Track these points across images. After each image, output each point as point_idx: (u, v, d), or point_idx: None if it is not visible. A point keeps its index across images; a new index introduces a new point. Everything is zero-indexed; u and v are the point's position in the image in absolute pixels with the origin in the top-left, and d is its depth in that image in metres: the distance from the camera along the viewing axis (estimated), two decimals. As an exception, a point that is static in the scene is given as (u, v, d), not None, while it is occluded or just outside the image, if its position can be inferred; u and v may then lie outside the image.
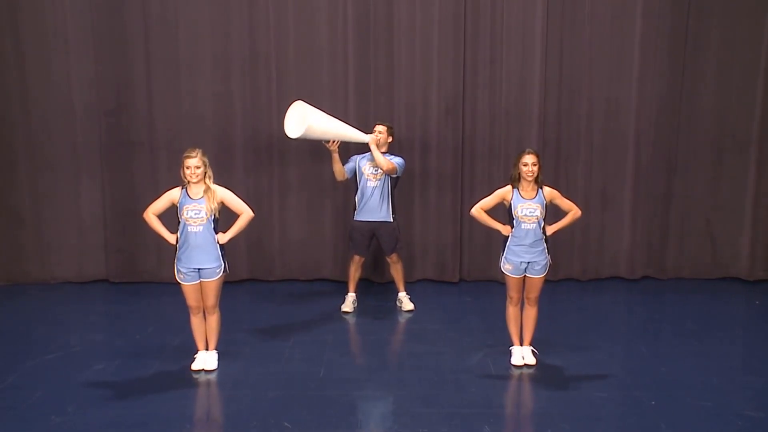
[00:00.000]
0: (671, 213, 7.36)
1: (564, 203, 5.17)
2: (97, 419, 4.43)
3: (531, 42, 6.99)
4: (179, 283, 5.02)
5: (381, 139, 6.26)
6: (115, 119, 7.02)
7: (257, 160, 7.14)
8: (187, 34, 6.90)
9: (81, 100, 6.98)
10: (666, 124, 7.19)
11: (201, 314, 5.08)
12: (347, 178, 6.40)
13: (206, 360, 5.14)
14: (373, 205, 6.31)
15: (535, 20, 6.95)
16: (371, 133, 6.28)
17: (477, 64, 7.05)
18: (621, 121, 7.17)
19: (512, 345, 5.33)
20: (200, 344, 5.17)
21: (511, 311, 5.27)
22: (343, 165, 6.33)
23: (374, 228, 6.36)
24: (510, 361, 5.27)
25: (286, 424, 4.37)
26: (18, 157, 7.03)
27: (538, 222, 5.04)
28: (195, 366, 5.13)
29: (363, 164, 6.34)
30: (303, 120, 5.97)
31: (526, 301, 5.24)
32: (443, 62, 7.01)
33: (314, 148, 7.11)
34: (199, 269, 4.96)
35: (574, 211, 5.16)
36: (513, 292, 5.20)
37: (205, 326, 5.13)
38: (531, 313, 5.25)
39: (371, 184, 6.30)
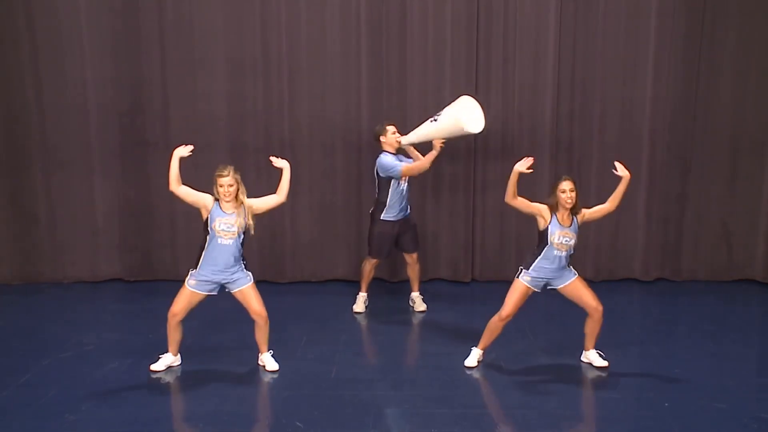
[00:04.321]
0: (686, 214, 7.31)
1: (596, 212, 5.11)
2: (110, 417, 4.45)
3: (544, 42, 6.97)
4: (184, 286, 4.99)
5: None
6: (130, 119, 7.07)
7: (269, 160, 7.13)
8: (201, 35, 6.93)
9: (96, 100, 7.03)
10: (681, 124, 7.14)
11: (178, 324, 5.05)
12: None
13: (267, 363, 5.18)
14: (405, 203, 6.31)
15: (549, 20, 6.93)
16: (394, 134, 6.22)
17: (490, 64, 7.03)
18: (635, 122, 7.13)
19: (476, 346, 5.28)
20: (172, 347, 5.17)
21: (495, 323, 5.12)
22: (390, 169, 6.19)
23: (401, 226, 6.32)
24: (465, 360, 5.25)
25: (298, 423, 4.37)
26: (33, 157, 7.09)
27: (570, 249, 5.00)
28: (156, 366, 5.14)
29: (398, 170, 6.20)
30: (469, 115, 5.98)
31: (594, 313, 5.09)
32: (456, 62, 7.01)
33: (326, 148, 7.13)
34: (222, 284, 4.97)
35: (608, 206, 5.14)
36: (510, 304, 5.02)
37: (257, 334, 5.14)
38: (597, 325, 5.14)
39: (405, 184, 6.27)
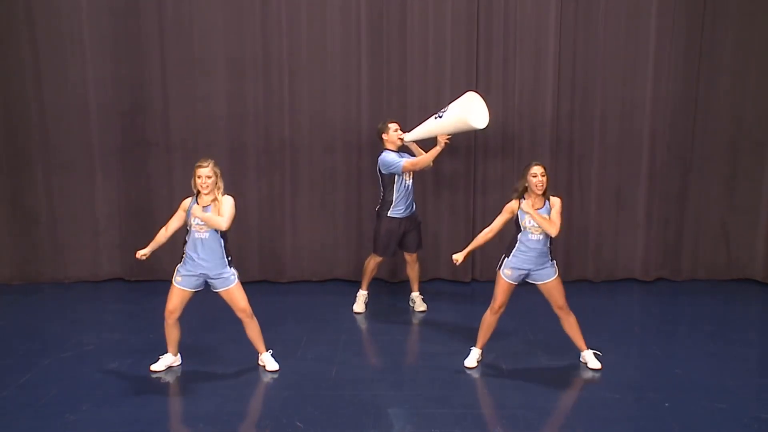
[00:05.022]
0: (686, 214, 7.31)
1: (554, 214, 4.95)
2: (111, 417, 4.46)
3: (544, 42, 6.97)
4: (172, 284, 4.99)
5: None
6: (130, 120, 7.07)
7: (270, 160, 7.16)
8: (201, 35, 6.94)
9: (96, 100, 7.04)
10: (681, 124, 7.14)
11: (174, 321, 5.05)
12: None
13: (267, 364, 5.18)
14: (411, 199, 6.33)
15: (549, 20, 6.93)
16: (396, 132, 6.26)
17: (490, 63, 7.03)
18: (635, 122, 7.13)
19: (474, 346, 5.30)
20: (171, 347, 5.18)
21: (488, 318, 5.17)
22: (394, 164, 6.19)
23: (407, 223, 6.32)
24: (464, 361, 5.26)
25: (298, 423, 4.38)
26: (33, 157, 7.10)
27: (545, 233, 4.97)
28: (156, 367, 5.15)
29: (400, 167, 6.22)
30: (475, 110, 6.06)
31: (558, 313, 5.14)
32: (456, 62, 7.01)
33: (326, 148, 7.13)
34: (206, 278, 4.96)
35: (551, 222, 4.90)
36: (500, 299, 5.09)
37: (249, 334, 5.14)
38: (571, 321, 5.16)
39: (409, 181, 6.28)
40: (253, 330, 5.14)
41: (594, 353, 5.25)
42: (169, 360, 5.18)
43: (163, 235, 5.04)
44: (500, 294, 5.10)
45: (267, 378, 5.09)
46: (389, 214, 6.28)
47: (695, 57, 7.00)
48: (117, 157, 7.13)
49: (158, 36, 6.93)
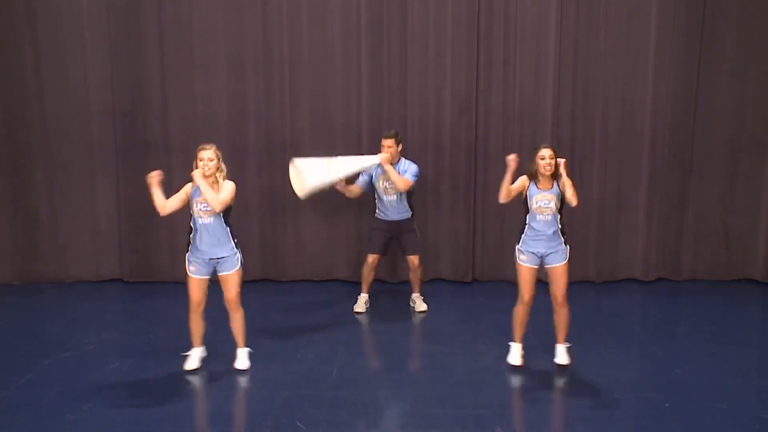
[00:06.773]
0: (686, 214, 7.31)
1: (566, 186, 4.93)
2: (111, 417, 4.46)
3: (545, 42, 6.97)
4: (187, 276, 5.02)
5: (392, 153, 6.16)
6: (130, 120, 7.08)
7: (270, 160, 7.16)
8: (201, 35, 6.95)
9: (97, 100, 7.04)
10: (681, 124, 7.14)
11: (201, 312, 5.07)
12: (364, 192, 6.42)
13: (238, 359, 5.17)
14: (392, 210, 6.34)
15: (549, 20, 6.93)
16: (379, 151, 6.19)
17: (490, 64, 7.04)
18: (636, 122, 7.14)
19: (512, 341, 5.27)
20: (196, 341, 5.18)
21: (520, 310, 5.18)
22: (356, 182, 6.30)
23: (394, 227, 6.36)
24: (507, 359, 5.24)
25: (298, 423, 4.38)
26: (34, 157, 7.11)
27: (554, 214, 5.00)
28: (190, 365, 5.14)
29: (376, 178, 6.29)
30: (302, 180, 5.88)
31: (553, 301, 5.13)
32: (457, 62, 7.01)
33: (327, 147, 7.12)
34: (214, 262, 4.96)
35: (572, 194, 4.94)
36: (525, 290, 5.09)
37: (232, 325, 5.14)
38: (562, 314, 5.15)
39: (388, 198, 6.31)
40: (237, 322, 5.13)
41: (567, 347, 5.21)
42: (199, 353, 5.18)
43: (162, 204, 4.88)
44: (523, 285, 5.09)
45: (267, 378, 5.08)
46: (375, 214, 6.39)
47: (695, 57, 7.01)
48: (117, 158, 7.14)
49: (158, 36, 6.93)
